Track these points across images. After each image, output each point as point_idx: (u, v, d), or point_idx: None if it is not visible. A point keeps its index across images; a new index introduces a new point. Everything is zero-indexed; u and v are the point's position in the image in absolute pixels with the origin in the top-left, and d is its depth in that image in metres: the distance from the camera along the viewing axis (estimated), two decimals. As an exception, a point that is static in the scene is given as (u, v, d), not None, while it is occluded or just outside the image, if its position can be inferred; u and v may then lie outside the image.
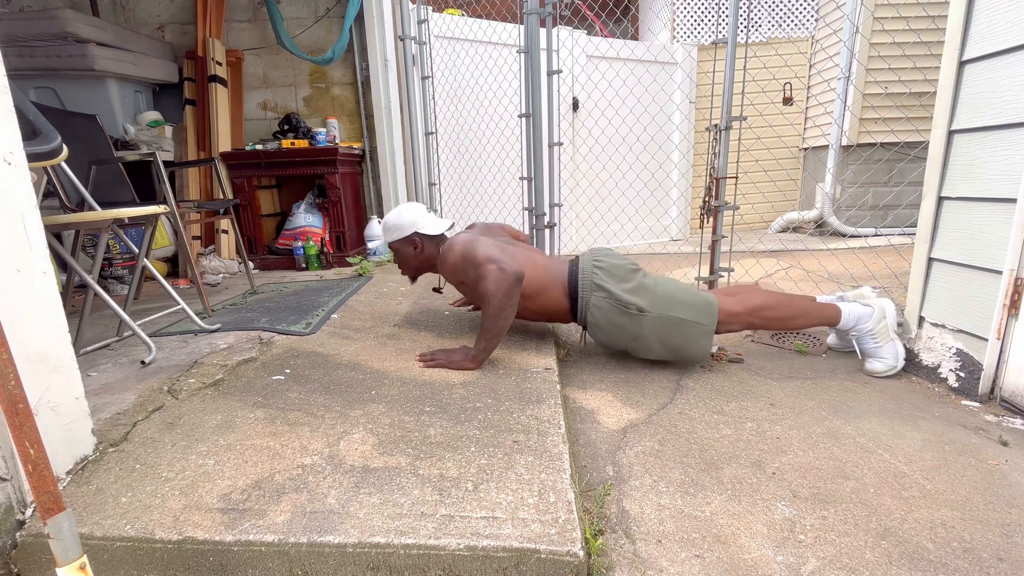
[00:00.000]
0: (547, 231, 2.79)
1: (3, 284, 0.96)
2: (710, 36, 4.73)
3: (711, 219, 2.28)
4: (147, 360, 1.63)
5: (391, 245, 1.90)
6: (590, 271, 1.73)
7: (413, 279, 1.96)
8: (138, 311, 2.24)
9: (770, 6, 4.62)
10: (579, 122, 4.21)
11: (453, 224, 1.95)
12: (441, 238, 1.87)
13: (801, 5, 4.62)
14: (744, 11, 2.23)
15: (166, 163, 3.05)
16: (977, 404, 1.51)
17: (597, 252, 1.79)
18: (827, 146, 4.19)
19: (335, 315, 2.16)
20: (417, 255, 1.85)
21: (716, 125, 2.20)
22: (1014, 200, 1.38)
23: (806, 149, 4.74)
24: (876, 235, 3.86)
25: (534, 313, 1.81)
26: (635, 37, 5.83)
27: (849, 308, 1.74)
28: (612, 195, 4.17)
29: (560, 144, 2.81)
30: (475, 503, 0.97)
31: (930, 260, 1.66)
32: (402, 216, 1.84)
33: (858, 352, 1.78)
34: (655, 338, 1.69)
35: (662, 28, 4.85)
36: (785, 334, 2.11)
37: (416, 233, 1.83)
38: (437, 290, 2.09)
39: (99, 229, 1.73)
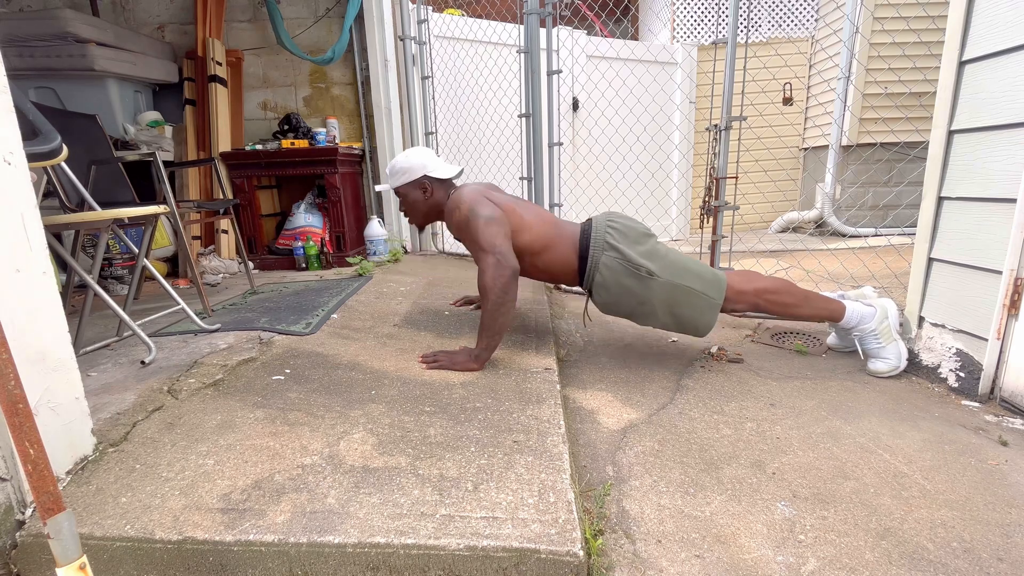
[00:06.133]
0: (547, 231, 2.79)
1: (3, 284, 0.95)
2: (710, 36, 4.73)
3: (711, 219, 2.28)
4: (147, 360, 1.63)
5: (398, 190, 1.84)
6: (603, 230, 1.69)
7: (421, 227, 1.92)
8: (138, 311, 2.24)
9: (770, 6, 4.62)
10: (579, 122, 4.21)
11: (462, 171, 1.88)
12: (450, 184, 1.82)
13: (801, 5, 4.62)
14: (744, 11, 2.23)
15: (166, 163, 3.05)
16: (977, 404, 1.51)
17: (611, 214, 1.76)
18: (827, 146, 4.19)
19: (335, 315, 2.16)
20: (426, 200, 1.80)
21: (716, 125, 2.20)
22: (1014, 200, 1.38)
23: (806, 149, 4.74)
24: (876, 235, 3.86)
25: (540, 271, 1.78)
26: (635, 37, 5.83)
27: (853, 306, 1.73)
28: (612, 195, 4.17)
29: (560, 144, 2.82)
30: (475, 503, 0.97)
31: (930, 260, 1.66)
32: (411, 158, 1.79)
33: (860, 352, 1.78)
34: (661, 305, 1.66)
35: (662, 28, 4.85)
36: (785, 334, 2.11)
37: (426, 176, 1.78)
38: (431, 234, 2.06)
39: (99, 229, 1.73)
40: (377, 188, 1.94)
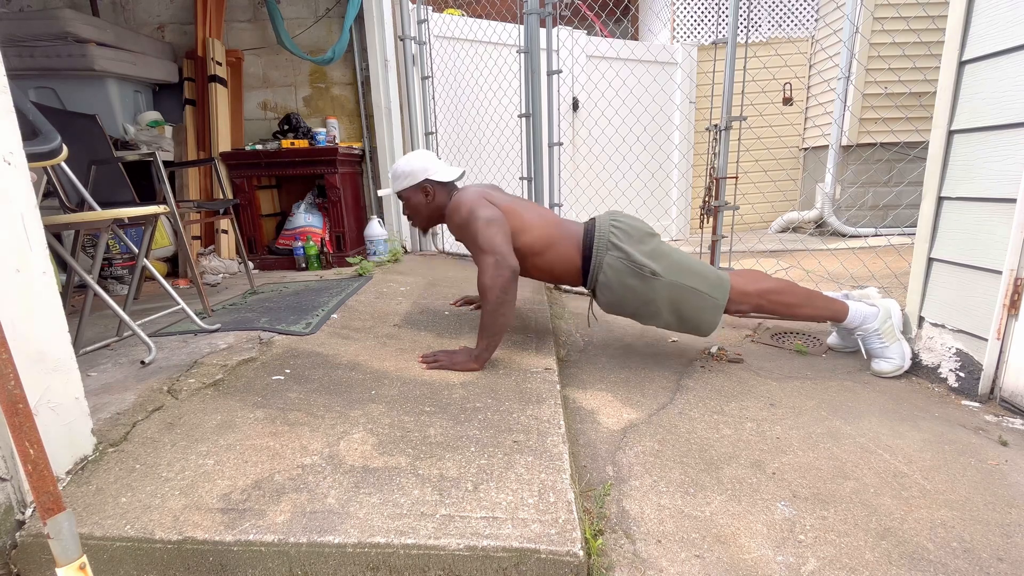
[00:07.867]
0: (547, 231, 2.78)
1: (3, 284, 0.95)
2: (710, 36, 4.73)
3: (711, 219, 2.28)
4: (147, 360, 1.62)
5: (401, 194, 1.85)
6: (607, 230, 1.69)
7: (424, 230, 1.94)
8: (138, 311, 2.24)
9: (770, 6, 4.62)
10: (579, 122, 4.21)
11: (464, 173, 1.88)
12: (452, 186, 1.83)
13: (801, 5, 4.62)
14: (744, 11, 2.23)
15: (166, 163, 3.05)
16: (977, 404, 1.51)
17: (615, 213, 1.76)
18: (827, 146, 4.19)
19: (335, 315, 2.16)
20: (428, 203, 1.81)
21: (716, 125, 2.20)
22: (1014, 200, 1.38)
23: (806, 149, 4.74)
24: (876, 235, 3.86)
25: (542, 271, 1.77)
26: (635, 37, 5.83)
27: (856, 306, 1.73)
28: (612, 195, 4.16)
29: (560, 144, 2.82)
30: (475, 503, 0.97)
31: (930, 260, 1.66)
32: (412, 162, 1.80)
33: (863, 352, 1.78)
34: (666, 305, 1.66)
35: (662, 28, 4.85)
36: (785, 334, 2.11)
37: (427, 180, 1.79)
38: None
39: (99, 229, 1.73)
40: (380, 192, 1.95)
